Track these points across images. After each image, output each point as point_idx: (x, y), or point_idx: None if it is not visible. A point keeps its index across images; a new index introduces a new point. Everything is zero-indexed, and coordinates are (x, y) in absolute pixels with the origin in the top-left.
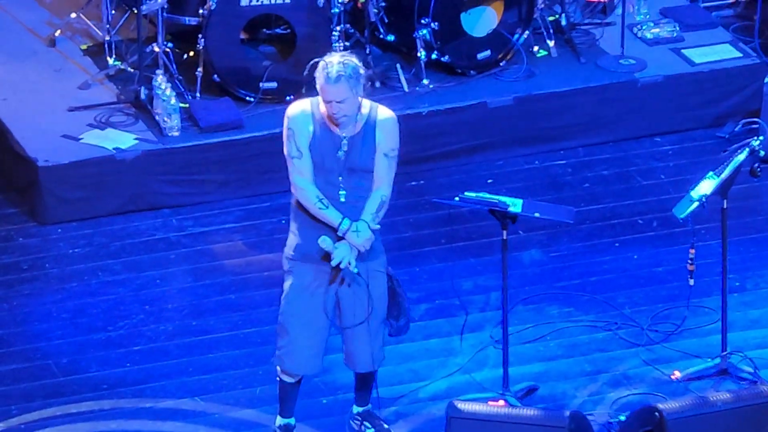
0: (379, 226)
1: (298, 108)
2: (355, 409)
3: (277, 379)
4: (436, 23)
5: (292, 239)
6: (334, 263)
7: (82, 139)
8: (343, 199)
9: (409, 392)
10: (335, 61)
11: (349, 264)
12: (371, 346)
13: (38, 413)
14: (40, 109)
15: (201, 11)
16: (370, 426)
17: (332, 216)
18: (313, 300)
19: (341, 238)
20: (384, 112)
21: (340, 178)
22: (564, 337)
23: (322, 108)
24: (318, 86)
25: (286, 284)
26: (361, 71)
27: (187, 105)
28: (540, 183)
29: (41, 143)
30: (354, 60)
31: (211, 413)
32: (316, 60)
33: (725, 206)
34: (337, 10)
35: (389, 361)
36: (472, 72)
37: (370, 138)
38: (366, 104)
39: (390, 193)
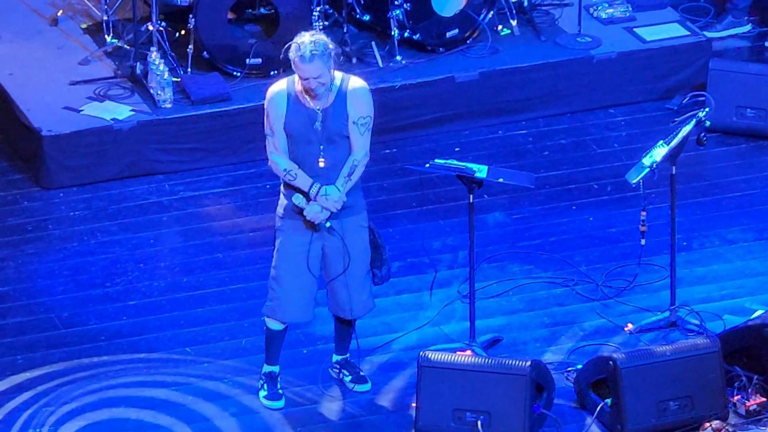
0: (351, 183)
1: (276, 89)
2: (335, 357)
3: (265, 328)
4: (408, 4)
5: (282, 199)
6: (307, 218)
7: (82, 110)
8: (322, 165)
9: (384, 343)
10: (306, 41)
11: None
12: (350, 296)
13: (41, 369)
14: (43, 83)
15: None
16: (347, 374)
17: (302, 183)
18: (300, 254)
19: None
20: (355, 83)
21: (321, 147)
22: (525, 292)
23: (298, 86)
24: (294, 66)
25: (278, 241)
26: (331, 47)
27: (179, 79)
28: (503, 151)
29: (45, 114)
30: (323, 37)
31: (200, 362)
32: (290, 43)
33: (674, 172)
34: None
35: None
36: (441, 49)
37: (341, 107)
38: (338, 76)
39: (363, 157)
